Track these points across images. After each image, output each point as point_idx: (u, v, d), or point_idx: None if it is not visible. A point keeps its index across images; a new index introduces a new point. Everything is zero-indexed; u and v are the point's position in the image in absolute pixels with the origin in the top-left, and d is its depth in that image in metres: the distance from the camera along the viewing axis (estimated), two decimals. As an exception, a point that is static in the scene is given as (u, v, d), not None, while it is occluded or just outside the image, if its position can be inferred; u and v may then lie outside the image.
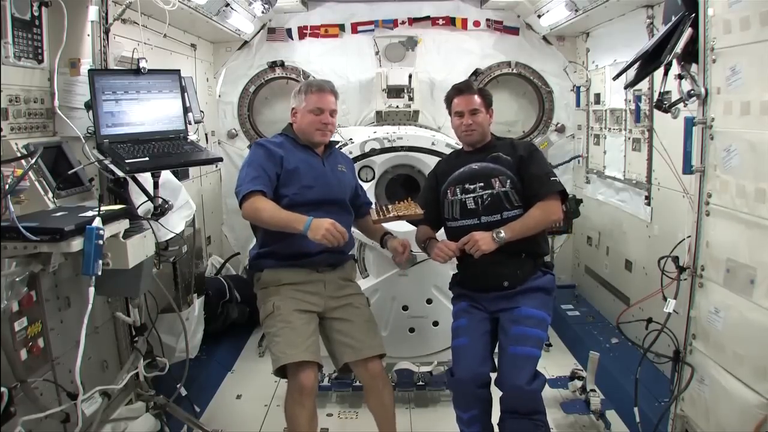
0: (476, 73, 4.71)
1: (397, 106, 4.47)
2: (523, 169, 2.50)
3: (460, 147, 2.78)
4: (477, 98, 2.58)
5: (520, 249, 2.43)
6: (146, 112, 2.43)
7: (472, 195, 2.52)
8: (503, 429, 2.36)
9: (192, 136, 2.61)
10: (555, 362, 3.58)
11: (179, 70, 2.59)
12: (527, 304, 2.43)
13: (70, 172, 2.29)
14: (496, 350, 2.48)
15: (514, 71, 4.77)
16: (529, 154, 2.54)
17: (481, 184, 2.51)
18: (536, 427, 2.30)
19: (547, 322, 2.47)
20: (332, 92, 2.56)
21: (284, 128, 2.66)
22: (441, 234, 2.70)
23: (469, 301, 2.57)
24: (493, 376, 2.41)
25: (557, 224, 3.81)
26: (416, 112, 4.48)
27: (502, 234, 2.35)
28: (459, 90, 2.62)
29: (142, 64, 2.43)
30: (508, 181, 2.49)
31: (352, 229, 2.70)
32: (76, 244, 1.77)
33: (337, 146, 2.84)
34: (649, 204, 3.52)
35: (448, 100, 2.65)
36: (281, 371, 2.38)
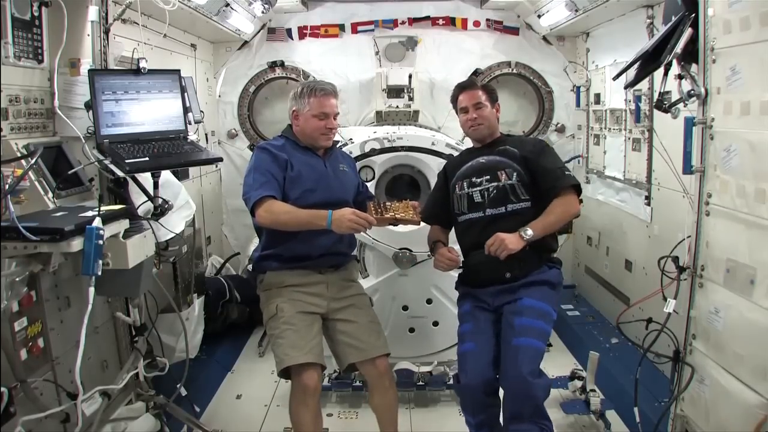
0: (476, 73, 4.70)
1: (397, 106, 4.47)
2: (533, 163, 2.49)
3: (471, 146, 2.77)
4: (480, 93, 2.59)
5: None
6: (146, 112, 2.43)
7: (478, 188, 2.52)
8: None
9: (192, 136, 2.61)
10: (555, 362, 3.57)
11: (179, 70, 2.59)
12: (530, 296, 2.39)
13: (70, 172, 2.29)
14: None
15: (514, 71, 4.77)
16: (540, 149, 2.56)
17: (488, 177, 2.51)
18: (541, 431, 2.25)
19: (551, 316, 2.41)
20: (334, 94, 2.55)
21: (284, 130, 2.65)
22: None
23: (474, 301, 2.54)
24: None
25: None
26: (416, 112, 4.48)
27: (530, 232, 2.32)
28: (462, 87, 2.64)
29: (142, 64, 2.43)
30: (515, 173, 2.48)
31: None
32: (76, 244, 1.77)
33: (338, 145, 2.84)
34: (649, 204, 3.52)
35: (454, 99, 2.66)
36: (285, 372, 2.38)
